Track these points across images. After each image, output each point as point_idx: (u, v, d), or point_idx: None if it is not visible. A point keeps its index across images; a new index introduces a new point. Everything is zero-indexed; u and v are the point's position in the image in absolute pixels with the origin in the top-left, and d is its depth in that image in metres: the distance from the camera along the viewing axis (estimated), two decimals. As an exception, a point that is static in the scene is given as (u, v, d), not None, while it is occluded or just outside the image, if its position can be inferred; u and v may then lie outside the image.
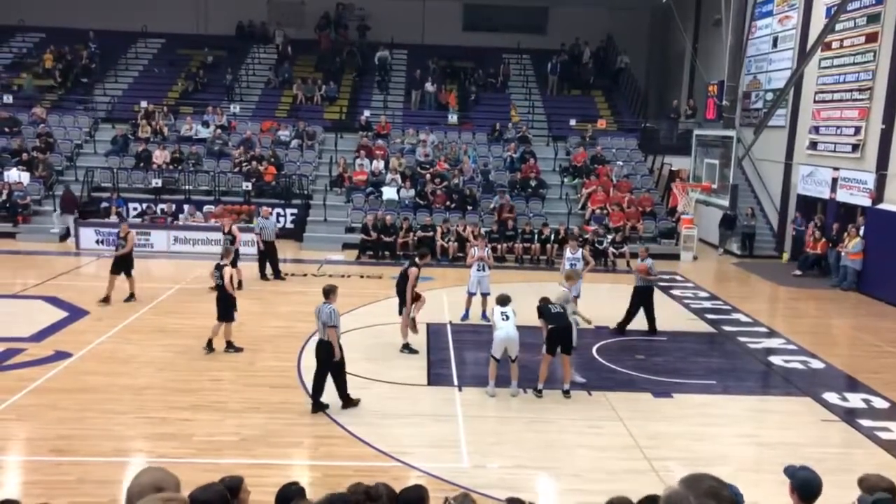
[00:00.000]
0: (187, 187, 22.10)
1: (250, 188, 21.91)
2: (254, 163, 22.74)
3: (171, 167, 22.65)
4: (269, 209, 17.99)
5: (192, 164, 22.87)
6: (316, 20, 30.51)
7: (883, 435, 9.38)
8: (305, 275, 17.59)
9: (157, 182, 21.86)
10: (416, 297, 12.02)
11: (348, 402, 9.48)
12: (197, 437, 8.58)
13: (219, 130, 24.46)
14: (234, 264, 14.37)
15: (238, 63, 29.18)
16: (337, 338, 9.25)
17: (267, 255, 16.86)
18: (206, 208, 21.14)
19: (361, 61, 29.56)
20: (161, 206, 21.05)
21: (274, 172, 22.70)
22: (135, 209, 21.25)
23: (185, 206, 21.07)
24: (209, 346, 11.55)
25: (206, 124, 24.81)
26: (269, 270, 16.91)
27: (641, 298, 13.39)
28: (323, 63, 29.32)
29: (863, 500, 4.37)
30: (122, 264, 14.38)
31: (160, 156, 22.85)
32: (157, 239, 19.61)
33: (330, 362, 9.25)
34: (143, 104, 25.42)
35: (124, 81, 28.18)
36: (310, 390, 9.59)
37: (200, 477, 7.43)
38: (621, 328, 13.39)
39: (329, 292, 9.40)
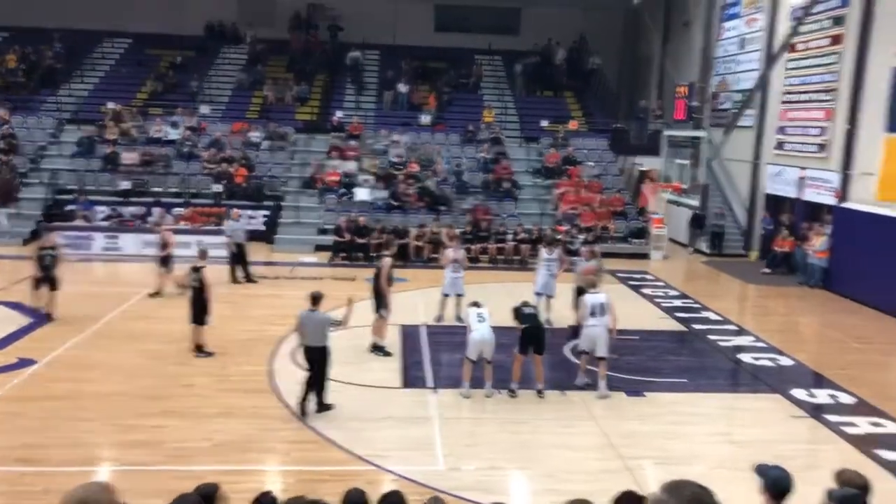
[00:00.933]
0: (157, 189, 21.79)
1: (221, 190, 21.67)
2: (224, 164, 22.51)
3: (140, 169, 22.32)
4: (239, 211, 17.81)
5: (161, 166, 22.56)
6: (287, 20, 30.27)
7: (849, 430, 9.55)
8: (277, 277, 17.45)
9: (125, 185, 21.51)
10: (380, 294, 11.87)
11: (324, 406, 9.46)
12: (168, 443, 8.45)
13: (188, 132, 24.16)
14: (164, 263, 14.89)
15: (208, 64, 28.85)
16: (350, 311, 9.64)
17: (238, 258, 16.70)
18: (175, 211, 20.86)
19: (333, 62, 29.39)
20: (130, 209, 20.72)
21: (245, 174, 22.49)
22: (102, 212, 20.88)
23: (155, 209, 20.78)
24: (199, 351, 11.49)
25: (175, 126, 24.49)
26: (240, 273, 16.74)
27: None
28: (294, 64, 29.10)
29: (833, 493, 4.43)
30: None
31: (129, 158, 22.50)
32: (127, 242, 19.30)
33: (323, 366, 9.34)
34: (111, 105, 25.01)
35: (90, 82, 27.67)
36: (283, 395, 9.52)
37: (172, 484, 7.35)
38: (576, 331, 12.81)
39: (318, 299, 9.42)
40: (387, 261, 11.90)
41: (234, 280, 16.60)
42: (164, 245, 15.19)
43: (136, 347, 11.81)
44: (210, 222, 20.53)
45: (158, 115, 25.30)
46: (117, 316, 13.63)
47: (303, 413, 9.22)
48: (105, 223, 20.20)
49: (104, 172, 22.05)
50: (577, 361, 11.13)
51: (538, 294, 13.81)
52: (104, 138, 23.59)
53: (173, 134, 24.21)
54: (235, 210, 17.75)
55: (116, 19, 28.83)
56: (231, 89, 27.95)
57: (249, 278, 16.73)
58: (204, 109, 25.89)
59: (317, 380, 9.35)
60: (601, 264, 13.60)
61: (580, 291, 12.84)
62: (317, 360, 9.29)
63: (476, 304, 10.50)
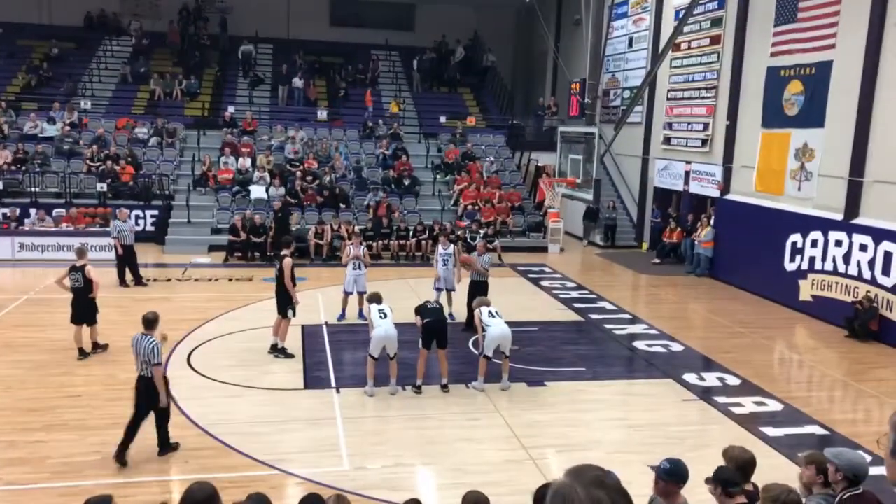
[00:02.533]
0: (33, 189, 20.42)
1: (106, 189, 20.55)
2: (109, 162, 21.36)
3: (13, 168, 20.85)
4: (127, 211, 16.94)
5: (38, 164, 21.16)
6: (173, 12, 29.04)
7: (736, 410, 10.08)
8: (169, 279, 16.76)
9: (-4, 184, 20.06)
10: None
11: (167, 446, 8.10)
12: (53, 459, 7.92)
13: (68, 128, 22.78)
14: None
15: (88, 56, 27.28)
16: (162, 378, 7.97)
17: (126, 259, 15.90)
18: (56, 212, 19.63)
19: (223, 55, 28.46)
20: (3, 210, 19.32)
21: (132, 172, 21.43)
22: (-29, 214, 19.41)
23: (32, 211, 19.47)
24: (81, 353, 11.14)
25: (52, 121, 23.03)
26: (128, 276, 15.95)
27: (475, 293, 12.75)
28: (183, 58, 27.96)
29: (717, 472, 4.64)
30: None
31: (0, 155, 20.98)
32: (0, 246, 18.01)
33: (152, 404, 7.95)
34: (-21, 99, 23.27)
35: (-47, 74, 25.68)
36: (178, 402, 9.09)
37: (58, 502, 6.91)
38: (469, 324, 12.71)
39: (151, 322, 8.06)
40: (287, 261, 11.63)
41: (123, 283, 15.80)
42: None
43: (13, 358, 11.03)
44: (95, 223, 19.48)
45: (33, 109, 23.72)
46: (-8, 325, 12.69)
47: (122, 464, 7.76)
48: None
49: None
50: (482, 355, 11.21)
51: (438, 290, 13.85)
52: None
53: (51, 130, 22.76)
54: (122, 210, 16.83)
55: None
56: (115, 83, 26.57)
57: (139, 281, 15.96)
58: (85, 104, 24.47)
59: (157, 417, 8.02)
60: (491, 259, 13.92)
61: (474, 286, 13.08)
62: (150, 393, 7.91)
63: (377, 300, 10.41)
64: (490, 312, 10.45)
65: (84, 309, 11.20)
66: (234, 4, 29.35)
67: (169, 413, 8.15)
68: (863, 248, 14.34)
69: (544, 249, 21.91)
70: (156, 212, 20.72)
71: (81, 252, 11.66)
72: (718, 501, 4.54)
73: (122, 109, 25.18)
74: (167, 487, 7.50)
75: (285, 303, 11.59)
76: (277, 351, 11.60)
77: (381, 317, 10.09)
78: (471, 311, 12.17)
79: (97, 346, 11.45)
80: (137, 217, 20.31)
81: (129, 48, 27.84)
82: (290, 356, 11.57)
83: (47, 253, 18.06)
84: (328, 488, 7.31)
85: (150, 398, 7.92)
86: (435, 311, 10.35)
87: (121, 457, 7.78)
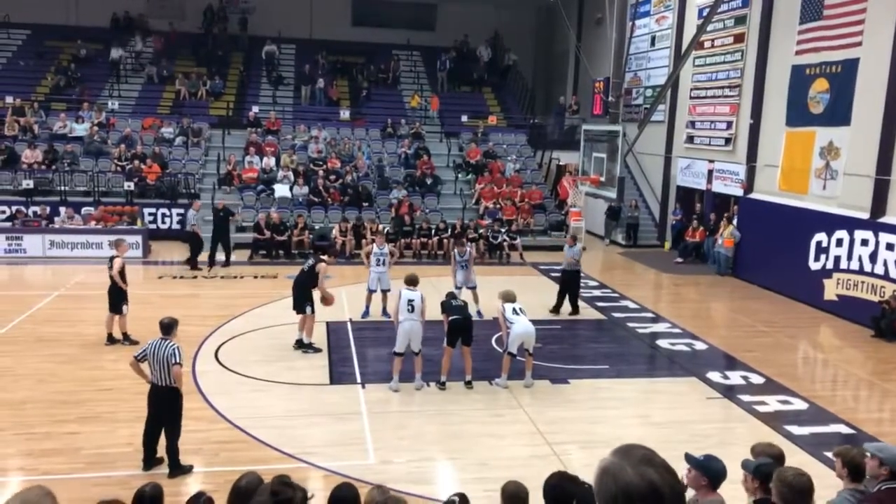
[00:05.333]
0: (62, 188, 20.79)
1: (133, 188, 20.87)
2: (136, 161, 21.68)
3: (43, 167, 21.24)
4: (199, 202, 18.58)
5: (67, 163, 21.53)
6: (199, 12, 29.37)
7: (760, 408, 10.06)
8: (195, 277, 16.99)
9: (27, 183, 20.42)
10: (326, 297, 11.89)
11: (177, 467, 7.69)
12: (86, 450, 8.12)
13: (96, 128, 23.14)
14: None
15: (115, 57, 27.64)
16: (181, 376, 7.75)
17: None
18: (84, 210, 19.97)
19: (246, 55, 28.74)
20: (34, 208, 19.70)
21: (158, 171, 21.73)
22: (2, 212, 19.77)
23: (62, 209, 19.83)
24: (113, 339, 11.61)
25: (80, 121, 23.41)
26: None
27: (567, 282, 14.61)
28: (207, 58, 28.24)
29: (747, 464, 4.67)
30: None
31: (30, 155, 21.36)
32: (31, 243, 18.36)
33: (170, 413, 7.72)
34: (9, 99, 23.68)
35: (-15, 76, 26.15)
36: (208, 396, 9.26)
37: (92, 492, 7.10)
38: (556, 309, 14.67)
39: (169, 326, 7.83)
40: (322, 266, 11.89)
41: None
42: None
43: (46, 352, 11.28)
44: (122, 221, 19.79)
45: (62, 110, 24.13)
46: (24, 320, 12.96)
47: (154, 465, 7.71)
48: (7, 224, 19.14)
49: (3, 171, 20.87)
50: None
51: (458, 288, 13.94)
52: (2, 134, 22.33)
53: (79, 130, 23.14)
54: (196, 201, 18.46)
55: (12, 10, 27.27)
56: (141, 84, 26.93)
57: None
58: (113, 104, 24.84)
59: (167, 433, 7.71)
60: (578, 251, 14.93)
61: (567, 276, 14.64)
62: (164, 405, 7.68)
63: (411, 283, 10.47)
64: (514, 310, 10.51)
65: (110, 297, 11.78)
66: (258, 5, 29.62)
67: (179, 431, 7.75)
68: (889, 247, 14.21)
69: (566, 248, 21.85)
70: (181, 210, 20.97)
71: (115, 244, 12.34)
72: (749, 492, 4.57)
73: (149, 109, 25.52)
74: (198, 479, 7.65)
75: (304, 299, 11.75)
76: (305, 346, 11.75)
77: (408, 310, 10.15)
78: (562, 297, 14.61)
79: (126, 338, 11.68)
80: (164, 215, 20.62)
81: (150, 50, 28.08)
82: (318, 350, 11.74)
83: (76, 250, 18.40)
84: (355, 481, 7.41)
85: (162, 411, 7.66)
86: (460, 309, 10.41)
87: (149, 465, 7.69)
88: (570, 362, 11.75)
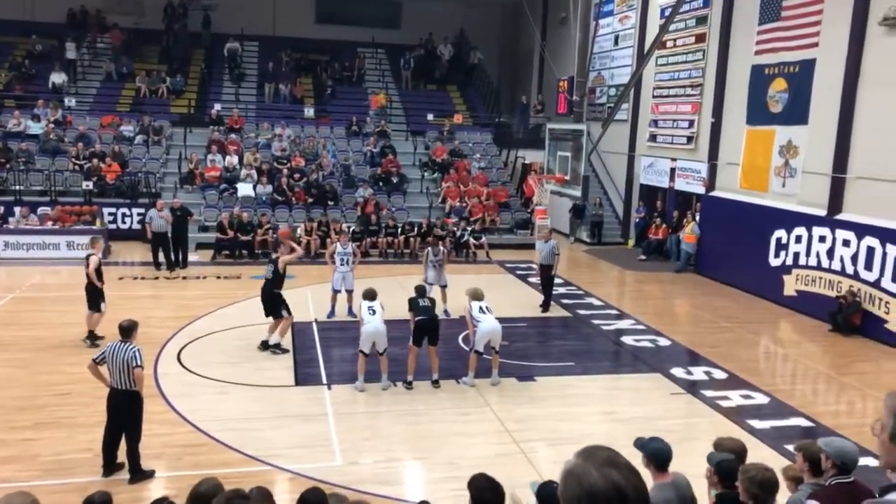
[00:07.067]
0: (17, 187, 20.25)
1: (91, 187, 20.42)
2: (95, 160, 21.22)
3: (-3, 166, 20.68)
4: (162, 202, 18.11)
5: (22, 162, 20.98)
6: (157, 10, 28.83)
7: (723, 403, 10.21)
8: (157, 278, 16.70)
9: (-20, 182, 19.88)
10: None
11: (138, 472, 7.53)
12: (43, 457, 7.91)
13: (52, 126, 22.59)
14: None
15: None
16: (143, 379, 7.61)
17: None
18: (41, 210, 19.47)
19: (208, 52, 28.30)
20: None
21: (118, 170, 21.30)
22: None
23: (16, 209, 19.31)
24: (91, 337, 11.61)
25: (36, 119, 22.84)
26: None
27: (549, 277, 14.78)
28: (167, 55, 27.76)
29: (711, 457, 4.77)
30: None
31: (-17, 153, 20.80)
32: (-15, 244, 17.88)
33: (129, 417, 7.55)
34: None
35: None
36: (170, 399, 9.09)
37: (50, 500, 6.91)
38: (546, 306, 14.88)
39: (128, 329, 7.69)
40: (282, 258, 11.78)
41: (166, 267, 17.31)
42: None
43: (1, 356, 10.98)
44: (80, 221, 19.33)
45: (13, 107, 23.50)
46: (-22, 324, 12.61)
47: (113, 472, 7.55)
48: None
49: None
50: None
51: (430, 284, 13.92)
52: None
53: (35, 128, 22.57)
54: (160, 201, 18.11)
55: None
56: (99, 81, 26.37)
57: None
58: (69, 101, 24.27)
59: (127, 438, 7.54)
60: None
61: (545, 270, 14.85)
62: (123, 408, 7.50)
63: (368, 297, 10.43)
64: (481, 308, 10.51)
65: (88, 295, 11.78)
66: (220, 2, 29.18)
67: (139, 435, 7.59)
68: (846, 243, 14.54)
69: (531, 246, 21.96)
70: (142, 210, 20.56)
71: (91, 241, 12.55)
72: (711, 486, 4.67)
73: (107, 107, 24.99)
74: (160, 484, 7.51)
75: (278, 304, 11.65)
76: (273, 347, 11.65)
77: (370, 313, 10.13)
78: (548, 292, 14.90)
79: (93, 336, 11.58)
80: (123, 215, 20.24)
81: (109, 46, 27.51)
82: (286, 351, 11.64)
83: (32, 251, 17.95)
84: (321, 483, 7.34)
85: (122, 415, 7.49)
86: (427, 310, 10.38)
87: (110, 471, 7.53)
88: (536, 360, 11.81)
